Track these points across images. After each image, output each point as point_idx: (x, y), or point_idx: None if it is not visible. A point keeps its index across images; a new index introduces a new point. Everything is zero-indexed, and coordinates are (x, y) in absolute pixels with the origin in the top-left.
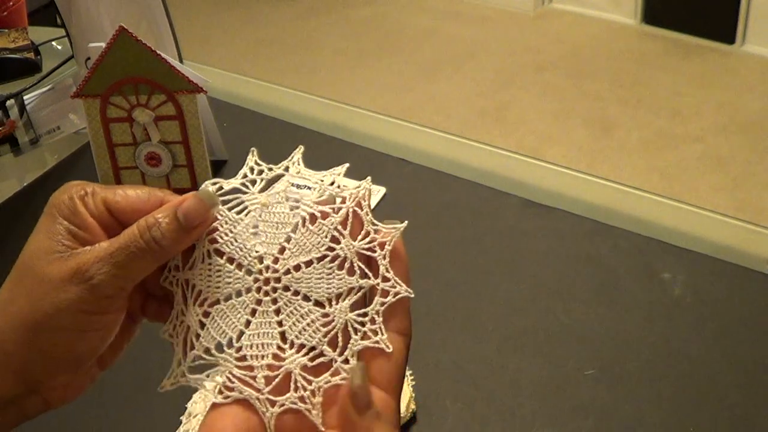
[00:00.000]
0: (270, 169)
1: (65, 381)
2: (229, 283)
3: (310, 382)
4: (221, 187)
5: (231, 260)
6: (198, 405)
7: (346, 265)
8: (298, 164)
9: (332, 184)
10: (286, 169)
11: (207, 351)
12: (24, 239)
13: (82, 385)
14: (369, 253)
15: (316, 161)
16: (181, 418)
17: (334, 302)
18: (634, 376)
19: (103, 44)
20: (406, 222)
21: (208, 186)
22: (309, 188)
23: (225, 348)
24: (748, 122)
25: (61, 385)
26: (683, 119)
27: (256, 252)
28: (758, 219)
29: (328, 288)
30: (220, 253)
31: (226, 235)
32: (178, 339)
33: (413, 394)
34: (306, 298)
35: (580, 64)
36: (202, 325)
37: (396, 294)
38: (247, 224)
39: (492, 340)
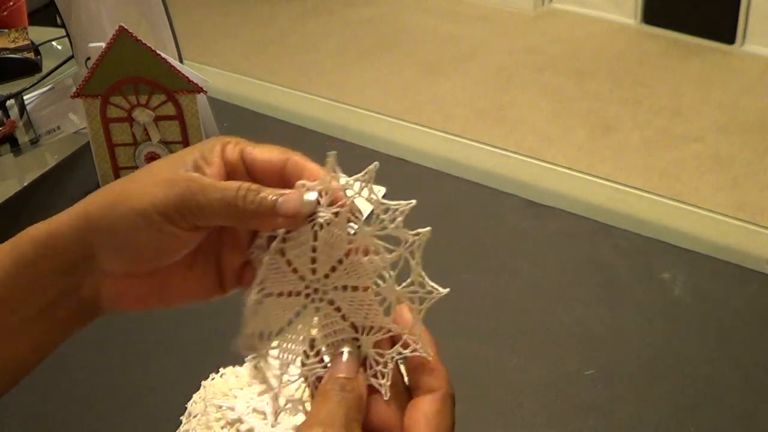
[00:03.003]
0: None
1: (118, 270)
2: (283, 282)
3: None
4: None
5: (289, 263)
6: (198, 405)
7: (385, 304)
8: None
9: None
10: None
11: (252, 336)
12: None
13: (132, 293)
14: (411, 295)
15: (316, 161)
16: (181, 418)
17: (367, 333)
18: (634, 376)
19: (103, 44)
20: (448, 289)
21: (312, 195)
22: (372, 214)
23: (264, 338)
24: (748, 122)
25: (115, 277)
26: (683, 119)
27: (311, 263)
28: (758, 219)
29: (366, 317)
30: (283, 254)
31: (293, 239)
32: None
33: None
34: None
35: (580, 64)
36: (255, 312)
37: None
38: (308, 237)
39: (492, 340)
